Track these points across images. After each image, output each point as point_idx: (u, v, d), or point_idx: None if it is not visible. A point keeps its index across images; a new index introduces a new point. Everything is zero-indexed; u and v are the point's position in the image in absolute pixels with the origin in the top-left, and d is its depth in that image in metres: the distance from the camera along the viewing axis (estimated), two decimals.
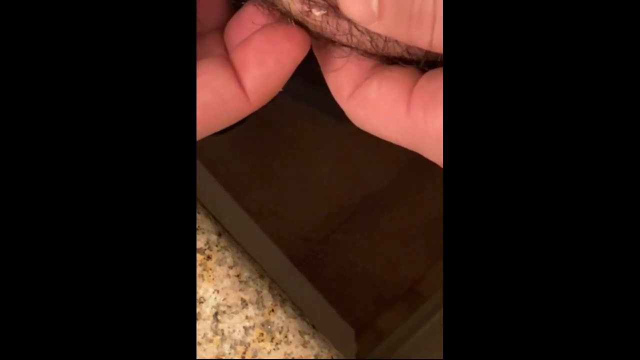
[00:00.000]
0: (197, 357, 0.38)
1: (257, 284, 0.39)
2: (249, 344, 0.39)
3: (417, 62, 0.25)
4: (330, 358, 0.40)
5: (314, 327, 0.40)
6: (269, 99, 0.24)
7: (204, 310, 0.38)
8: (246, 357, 0.38)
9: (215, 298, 0.39)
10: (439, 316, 0.61)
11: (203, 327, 0.38)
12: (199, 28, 0.26)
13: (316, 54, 0.26)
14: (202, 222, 0.40)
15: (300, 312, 0.40)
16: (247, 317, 0.39)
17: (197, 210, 0.40)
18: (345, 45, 0.25)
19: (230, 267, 0.39)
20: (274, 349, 0.39)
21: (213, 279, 0.39)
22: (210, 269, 0.39)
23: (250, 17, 0.25)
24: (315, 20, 0.24)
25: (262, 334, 0.39)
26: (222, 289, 0.39)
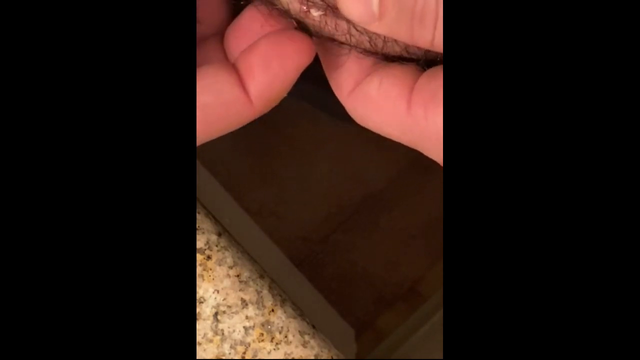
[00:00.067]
0: (197, 357, 0.38)
1: (257, 284, 0.39)
2: (249, 344, 0.39)
3: (416, 61, 0.25)
4: (330, 358, 0.39)
5: (314, 327, 0.40)
6: (273, 104, 0.24)
7: (204, 310, 0.38)
8: (246, 357, 0.38)
9: (215, 298, 0.39)
10: (439, 316, 0.61)
11: (203, 327, 0.38)
12: (199, 33, 0.26)
13: (317, 51, 0.26)
14: (202, 222, 0.40)
15: (300, 312, 0.40)
16: (247, 317, 0.39)
17: (197, 210, 0.40)
18: (344, 44, 0.25)
19: (230, 267, 0.39)
20: (274, 349, 0.39)
21: (213, 279, 0.39)
22: (210, 269, 0.39)
23: (250, 21, 0.25)
24: (313, 20, 0.24)
25: (262, 334, 0.39)
26: (222, 289, 0.39)
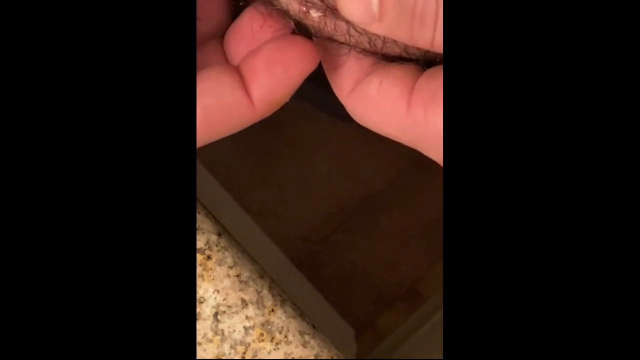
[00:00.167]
0: (197, 357, 0.38)
1: (257, 284, 0.39)
2: (249, 344, 0.39)
3: (415, 61, 0.25)
4: (330, 358, 0.40)
5: (314, 327, 0.40)
6: (275, 108, 0.24)
7: (204, 310, 0.38)
8: (246, 357, 0.38)
9: (215, 298, 0.39)
10: (439, 316, 0.61)
11: (203, 327, 0.38)
12: (199, 32, 0.26)
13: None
14: (202, 222, 0.40)
15: (300, 312, 0.40)
16: (247, 317, 0.39)
17: (197, 210, 0.40)
18: (344, 44, 0.25)
19: (230, 267, 0.39)
20: (274, 349, 0.39)
21: (213, 279, 0.39)
22: (210, 269, 0.39)
23: (250, 23, 0.25)
24: (313, 21, 0.24)
25: (262, 334, 0.39)
26: (222, 289, 0.39)
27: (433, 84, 0.23)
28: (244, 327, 0.39)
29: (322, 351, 0.39)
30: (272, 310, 0.39)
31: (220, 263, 0.39)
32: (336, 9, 0.22)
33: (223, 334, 0.38)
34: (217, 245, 0.39)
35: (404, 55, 0.25)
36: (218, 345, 0.38)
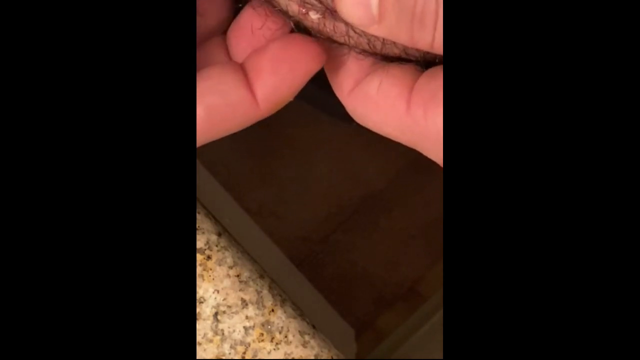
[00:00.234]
0: (197, 357, 0.38)
1: (257, 284, 0.39)
2: (249, 344, 0.39)
3: (415, 62, 0.25)
4: (330, 358, 0.40)
5: (314, 327, 0.40)
6: (278, 107, 0.24)
7: (204, 310, 0.39)
8: (246, 357, 0.38)
9: (215, 298, 0.39)
10: (439, 316, 0.61)
11: (203, 327, 0.38)
12: (201, 28, 0.26)
13: None
14: (202, 222, 0.40)
15: (300, 312, 0.40)
16: (247, 317, 0.39)
17: (197, 210, 0.40)
18: (343, 44, 0.25)
19: (230, 267, 0.39)
20: (274, 349, 0.39)
21: (213, 279, 0.39)
22: (210, 269, 0.39)
23: (249, 21, 0.25)
24: (312, 22, 0.24)
25: (262, 334, 0.39)
26: (222, 289, 0.39)
27: (433, 84, 0.23)
28: (244, 327, 0.39)
29: (322, 351, 0.39)
30: (272, 310, 0.39)
31: (220, 263, 0.39)
32: (335, 11, 0.22)
33: (223, 334, 0.38)
34: (217, 245, 0.39)
35: (403, 56, 0.25)
36: (218, 345, 0.38)
